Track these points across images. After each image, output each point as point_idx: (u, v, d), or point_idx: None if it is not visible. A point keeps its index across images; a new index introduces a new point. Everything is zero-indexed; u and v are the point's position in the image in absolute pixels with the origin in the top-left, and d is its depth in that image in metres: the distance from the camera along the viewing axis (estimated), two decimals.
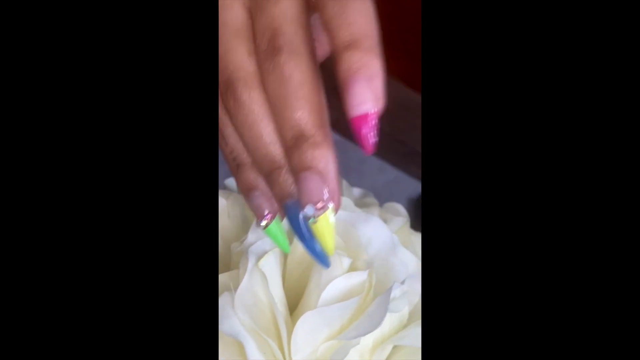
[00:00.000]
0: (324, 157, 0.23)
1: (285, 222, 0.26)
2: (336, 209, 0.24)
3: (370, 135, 0.22)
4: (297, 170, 0.23)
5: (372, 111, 0.22)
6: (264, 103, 0.24)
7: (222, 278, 0.28)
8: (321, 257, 0.25)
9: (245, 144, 0.25)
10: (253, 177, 0.26)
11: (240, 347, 0.26)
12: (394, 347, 0.29)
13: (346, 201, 0.33)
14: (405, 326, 0.29)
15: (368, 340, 0.27)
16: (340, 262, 0.27)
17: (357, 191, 0.38)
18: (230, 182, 0.35)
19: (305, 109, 0.23)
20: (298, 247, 0.30)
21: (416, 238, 0.34)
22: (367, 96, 0.22)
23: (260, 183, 0.26)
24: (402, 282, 0.28)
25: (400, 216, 0.34)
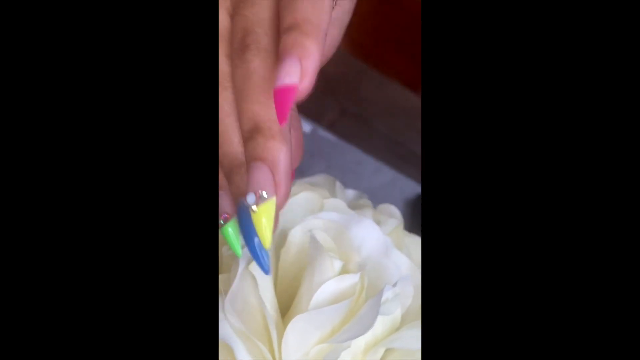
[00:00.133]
0: (275, 149, 0.23)
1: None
2: (280, 204, 0.23)
3: (285, 107, 0.22)
4: (249, 161, 0.23)
5: (294, 84, 0.22)
6: (233, 102, 0.24)
7: None
8: (260, 260, 0.24)
9: None
10: (221, 177, 0.26)
11: (231, 351, 0.26)
12: (387, 350, 0.29)
13: (339, 203, 0.33)
14: (397, 329, 0.29)
15: (360, 343, 0.27)
16: (331, 265, 0.27)
17: (350, 193, 0.38)
18: None
19: (264, 103, 0.23)
20: (290, 251, 0.30)
21: (410, 240, 0.34)
22: (293, 70, 0.22)
23: (224, 184, 0.26)
24: (394, 285, 0.28)
25: (394, 218, 0.34)
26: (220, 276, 0.28)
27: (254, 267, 0.27)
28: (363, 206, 0.36)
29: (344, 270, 0.28)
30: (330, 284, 0.27)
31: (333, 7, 0.24)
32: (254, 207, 0.23)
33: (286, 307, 0.29)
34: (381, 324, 0.28)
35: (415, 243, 0.34)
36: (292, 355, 0.26)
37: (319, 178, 0.36)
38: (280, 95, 0.22)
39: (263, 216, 0.23)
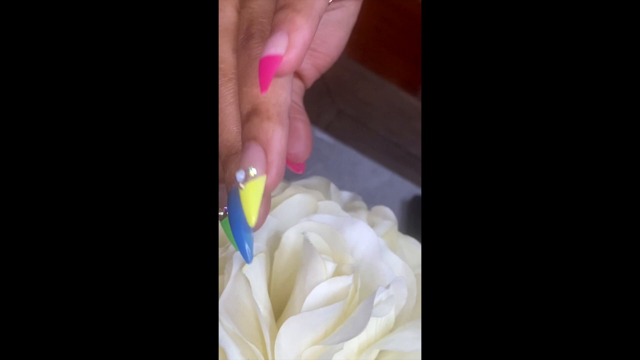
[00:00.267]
0: (270, 130, 0.23)
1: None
2: (271, 184, 0.23)
3: (268, 76, 0.23)
4: (244, 141, 0.23)
5: (279, 54, 0.23)
6: (236, 92, 0.25)
7: None
8: (242, 246, 0.24)
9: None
10: (220, 170, 0.26)
11: (224, 353, 0.26)
12: (380, 351, 0.29)
13: (333, 205, 0.33)
14: (391, 330, 0.29)
15: (353, 344, 0.27)
16: (324, 267, 0.27)
17: (345, 195, 0.38)
18: None
19: None
20: (284, 253, 0.30)
21: (404, 242, 0.34)
22: (280, 42, 0.23)
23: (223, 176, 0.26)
24: (387, 286, 0.28)
25: (388, 220, 0.34)
26: None
27: (248, 269, 0.27)
28: (357, 208, 0.36)
29: (337, 272, 0.28)
30: (323, 286, 0.27)
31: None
32: (241, 185, 0.23)
33: (280, 309, 0.29)
34: (374, 326, 0.28)
35: (409, 245, 0.34)
36: (285, 357, 0.26)
37: (314, 180, 0.36)
38: (264, 64, 0.23)
39: (250, 193, 0.23)
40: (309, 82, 0.33)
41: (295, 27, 0.23)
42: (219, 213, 0.25)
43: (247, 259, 0.24)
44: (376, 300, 0.27)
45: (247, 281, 0.27)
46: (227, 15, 0.26)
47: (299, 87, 0.33)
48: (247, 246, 0.24)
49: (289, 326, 0.26)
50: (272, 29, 0.23)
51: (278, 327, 0.26)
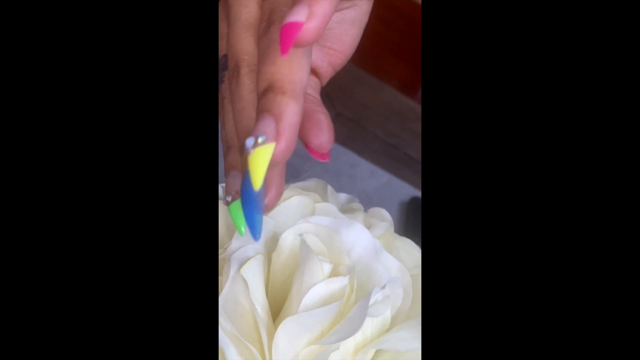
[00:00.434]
0: (283, 103, 0.24)
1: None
2: (280, 154, 0.23)
3: (288, 41, 0.24)
4: (257, 115, 0.24)
5: (299, 22, 0.23)
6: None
7: None
8: (252, 226, 0.24)
9: (234, 119, 0.27)
10: (236, 158, 0.27)
11: (222, 353, 0.26)
12: (377, 351, 0.29)
13: (330, 207, 0.33)
14: (387, 330, 0.29)
15: (350, 344, 0.28)
16: (321, 268, 0.28)
17: (343, 197, 0.38)
18: None
19: (278, 64, 0.24)
20: (281, 255, 0.30)
21: (400, 243, 0.35)
22: (301, 12, 0.23)
23: (239, 164, 0.27)
24: (383, 287, 0.28)
25: (385, 221, 0.35)
26: None
27: (246, 270, 0.28)
28: (354, 210, 0.37)
29: (333, 273, 0.28)
30: (320, 287, 0.27)
31: None
32: (250, 150, 0.23)
33: (277, 309, 0.29)
34: (370, 326, 0.28)
35: (405, 246, 0.35)
36: (282, 357, 0.26)
37: (311, 182, 0.36)
38: (285, 30, 0.23)
39: (257, 158, 0.23)
40: (325, 80, 0.34)
41: (315, 1, 0.24)
42: (227, 198, 0.26)
43: (254, 237, 0.24)
44: (372, 300, 0.27)
45: (245, 282, 0.27)
46: (250, 10, 0.27)
47: (315, 83, 0.34)
48: (257, 227, 0.24)
49: (286, 326, 0.26)
50: (294, 3, 0.24)
51: (275, 328, 0.27)
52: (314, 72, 0.33)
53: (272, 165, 0.23)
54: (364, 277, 0.30)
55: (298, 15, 0.23)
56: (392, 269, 0.31)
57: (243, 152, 0.25)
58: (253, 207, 0.24)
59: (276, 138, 0.23)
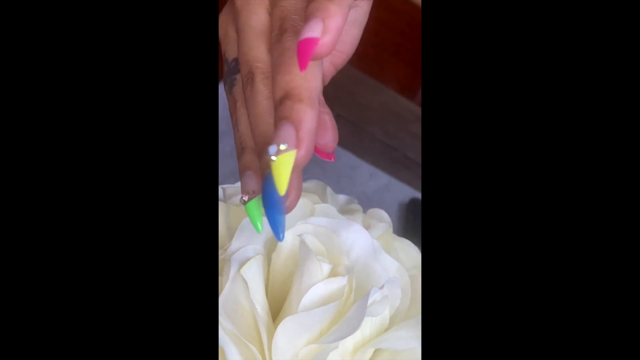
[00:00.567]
0: (301, 111, 0.25)
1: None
2: (301, 159, 0.24)
3: (306, 56, 0.25)
4: (276, 123, 0.25)
5: (315, 38, 0.24)
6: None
7: None
8: (276, 228, 0.26)
9: (250, 124, 0.27)
10: (251, 158, 0.28)
11: (222, 353, 0.26)
12: (375, 350, 0.30)
13: (329, 208, 0.33)
14: (386, 330, 0.30)
15: (349, 343, 0.28)
16: (320, 268, 0.28)
17: (342, 198, 0.39)
18: None
19: (294, 73, 0.25)
20: (281, 255, 0.30)
21: (399, 243, 0.35)
22: (316, 27, 0.24)
23: (254, 165, 0.28)
24: (382, 287, 0.28)
25: (384, 222, 0.35)
26: None
27: (246, 270, 0.28)
28: (353, 211, 0.37)
29: (332, 273, 0.29)
30: (319, 287, 0.28)
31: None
32: (273, 157, 0.24)
33: (277, 309, 0.29)
34: (369, 325, 0.29)
35: (404, 247, 0.35)
36: (282, 356, 0.27)
37: (310, 184, 0.37)
38: (302, 46, 0.24)
39: (281, 165, 0.24)
40: (327, 79, 0.35)
41: (329, 14, 0.25)
42: (244, 197, 0.27)
43: (278, 237, 0.26)
44: (370, 300, 0.27)
45: (245, 282, 0.27)
46: (260, 17, 0.28)
47: None
48: (280, 228, 0.26)
49: (285, 326, 0.26)
50: (308, 16, 0.25)
51: (275, 327, 0.27)
52: None
53: (293, 170, 0.24)
54: (362, 277, 0.30)
55: (313, 31, 0.24)
56: (391, 269, 0.31)
57: (262, 157, 0.26)
58: (276, 209, 0.25)
59: (297, 145, 0.24)
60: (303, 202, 0.33)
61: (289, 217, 0.32)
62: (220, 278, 0.29)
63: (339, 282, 0.28)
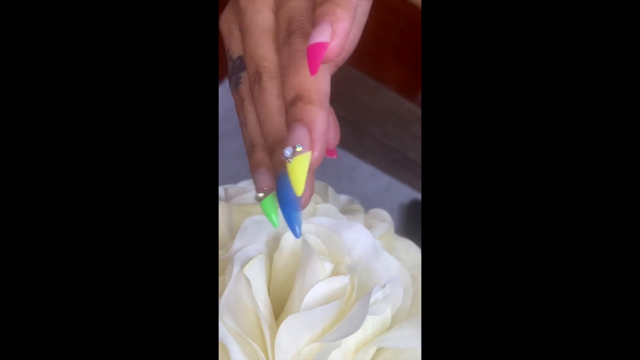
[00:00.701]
0: (313, 112, 0.25)
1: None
2: (315, 161, 0.25)
3: (317, 60, 0.25)
4: (289, 124, 0.25)
5: (325, 42, 0.25)
6: (281, 88, 0.27)
7: None
8: (292, 225, 0.26)
9: (260, 123, 0.28)
10: (262, 156, 0.28)
11: (226, 350, 0.27)
12: (377, 349, 0.30)
13: (331, 208, 0.34)
14: (388, 329, 0.30)
15: (351, 342, 0.28)
16: (322, 267, 0.28)
17: (343, 198, 0.39)
18: (219, 191, 0.36)
19: (304, 74, 0.26)
20: (283, 254, 0.31)
21: (400, 243, 0.35)
22: (325, 32, 0.25)
23: (266, 162, 0.28)
24: (383, 286, 0.29)
25: (385, 222, 0.35)
26: None
27: (248, 269, 0.28)
28: (355, 211, 0.37)
29: (334, 272, 0.29)
30: (321, 286, 0.28)
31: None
32: (289, 159, 0.24)
33: (279, 308, 0.30)
34: (371, 324, 0.29)
35: (405, 246, 0.35)
36: (284, 354, 0.27)
37: None
38: (312, 50, 0.25)
39: (297, 166, 0.25)
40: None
41: (337, 18, 0.25)
42: (259, 194, 0.27)
43: (296, 234, 0.26)
44: (372, 299, 0.28)
45: (248, 281, 0.28)
46: (265, 17, 0.28)
47: None
48: (296, 224, 0.26)
49: (288, 324, 0.27)
50: (316, 20, 0.25)
51: (278, 326, 0.27)
52: None
53: (309, 170, 0.25)
54: (364, 276, 0.30)
55: (322, 35, 0.25)
56: (392, 268, 0.32)
57: (274, 156, 0.26)
58: (292, 207, 0.25)
59: (311, 147, 0.25)
60: None
61: None
62: (222, 277, 0.29)
63: (341, 281, 0.28)
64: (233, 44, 0.30)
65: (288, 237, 0.31)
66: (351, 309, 0.28)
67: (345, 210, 0.37)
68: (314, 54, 0.25)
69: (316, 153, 0.25)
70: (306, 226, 0.31)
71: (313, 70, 0.25)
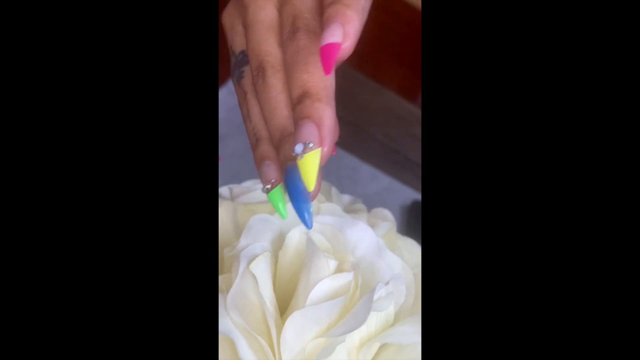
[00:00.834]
0: (321, 110, 0.26)
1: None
2: (324, 157, 0.26)
3: (331, 61, 0.26)
4: (297, 120, 0.26)
5: (338, 42, 0.26)
6: (285, 82, 0.28)
7: None
8: (303, 216, 0.27)
9: (264, 117, 0.28)
10: (267, 149, 0.29)
11: (233, 345, 0.27)
12: (381, 346, 0.30)
13: (334, 207, 0.34)
14: (391, 325, 0.30)
15: (355, 338, 0.29)
16: (327, 264, 0.29)
17: (346, 198, 0.39)
18: (224, 190, 0.37)
19: (311, 72, 0.26)
20: (288, 252, 0.31)
21: (402, 242, 0.36)
22: (337, 33, 0.26)
23: (271, 155, 0.28)
24: (387, 283, 0.29)
25: (387, 221, 0.36)
26: (222, 276, 0.30)
27: (255, 266, 0.29)
28: (358, 210, 0.38)
29: (339, 270, 0.29)
30: (326, 282, 0.28)
31: None
32: (301, 155, 0.25)
33: (284, 306, 0.30)
34: (375, 321, 0.29)
35: (407, 245, 0.36)
36: (290, 349, 0.27)
37: None
38: (326, 51, 0.26)
39: (309, 163, 0.25)
40: None
41: (348, 19, 0.26)
42: (266, 186, 0.28)
43: (307, 225, 0.27)
44: (376, 296, 0.28)
45: (254, 278, 0.28)
46: (268, 13, 0.29)
47: None
48: (306, 215, 0.27)
49: (294, 319, 0.27)
50: (327, 21, 0.26)
51: (283, 321, 0.28)
52: None
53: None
54: (367, 274, 0.31)
55: (334, 36, 0.26)
56: (395, 266, 0.32)
57: (281, 150, 0.27)
58: (302, 199, 0.26)
59: (320, 143, 0.26)
60: None
61: (295, 218, 0.33)
62: (228, 275, 0.30)
63: (346, 278, 0.29)
64: (236, 39, 0.30)
65: (293, 235, 0.31)
66: (355, 305, 0.28)
67: (348, 210, 0.37)
68: (328, 54, 0.26)
69: (325, 149, 0.26)
70: None
71: (327, 70, 0.26)
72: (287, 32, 0.28)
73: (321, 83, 0.26)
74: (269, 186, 0.28)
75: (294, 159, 0.26)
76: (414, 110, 0.69)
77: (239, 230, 0.33)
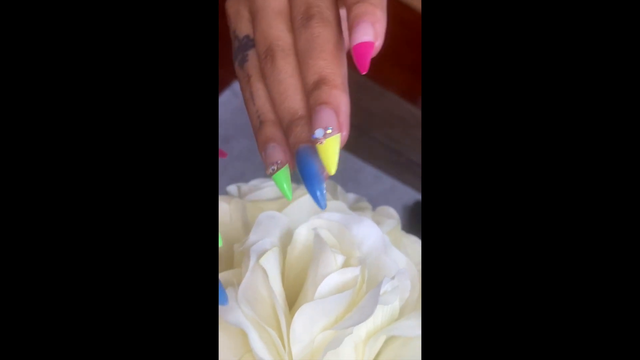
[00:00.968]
0: (338, 96, 0.27)
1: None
2: (344, 140, 0.27)
3: (366, 59, 0.27)
4: (314, 106, 0.27)
5: (371, 42, 0.26)
6: (295, 66, 0.28)
7: (227, 275, 0.30)
8: (318, 198, 0.27)
9: (273, 100, 0.29)
10: (271, 131, 0.29)
11: (245, 337, 0.28)
12: (387, 339, 0.31)
13: (340, 205, 0.35)
14: (397, 319, 0.31)
15: (362, 331, 0.29)
16: (334, 259, 0.30)
17: (351, 196, 0.40)
18: (232, 188, 0.38)
19: (328, 59, 0.27)
20: (296, 248, 0.32)
21: (407, 239, 0.36)
22: (369, 31, 0.26)
23: (276, 137, 0.29)
24: (393, 278, 0.30)
25: (392, 219, 0.37)
26: (233, 270, 0.31)
27: (264, 261, 0.29)
28: (363, 208, 0.38)
29: (346, 264, 0.30)
30: (333, 276, 0.29)
31: None
32: (322, 140, 0.26)
33: (293, 299, 0.31)
34: (381, 314, 0.30)
35: (411, 243, 0.37)
36: (299, 340, 0.28)
37: None
38: (360, 49, 0.26)
39: (330, 147, 0.26)
40: None
41: (377, 19, 0.26)
42: (271, 168, 0.28)
43: (321, 205, 0.27)
44: (382, 290, 0.29)
45: (265, 272, 0.29)
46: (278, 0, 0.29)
47: None
48: (319, 195, 0.27)
49: (303, 312, 0.28)
50: (355, 19, 0.26)
51: (292, 314, 0.28)
52: None
53: None
54: (373, 269, 0.32)
55: (367, 35, 0.26)
56: (400, 262, 0.33)
57: (292, 132, 0.27)
58: (316, 181, 0.27)
59: (339, 128, 0.26)
60: None
61: (303, 213, 0.34)
62: (238, 270, 0.31)
63: (353, 272, 0.29)
64: (241, 24, 0.30)
65: (300, 231, 0.32)
66: (362, 299, 0.29)
67: (354, 208, 0.38)
68: (363, 53, 0.26)
69: (344, 134, 0.26)
70: (318, 221, 0.32)
71: (364, 68, 0.26)
72: (300, 19, 0.28)
73: (338, 70, 0.27)
74: (274, 167, 0.28)
75: (305, 141, 0.27)
76: (416, 113, 0.70)
77: (247, 227, 0.34)
